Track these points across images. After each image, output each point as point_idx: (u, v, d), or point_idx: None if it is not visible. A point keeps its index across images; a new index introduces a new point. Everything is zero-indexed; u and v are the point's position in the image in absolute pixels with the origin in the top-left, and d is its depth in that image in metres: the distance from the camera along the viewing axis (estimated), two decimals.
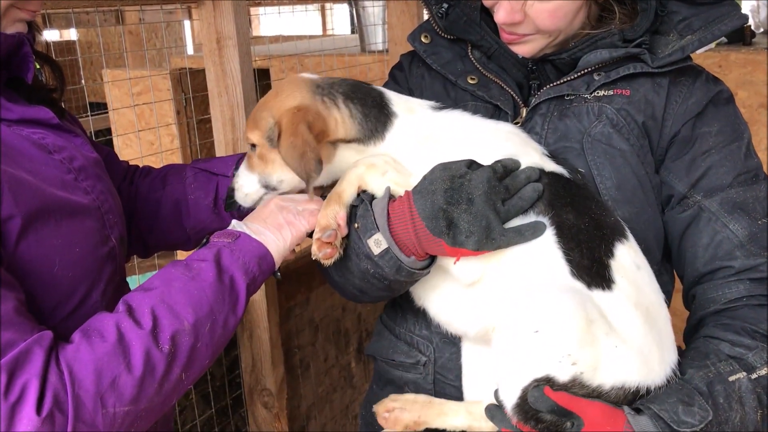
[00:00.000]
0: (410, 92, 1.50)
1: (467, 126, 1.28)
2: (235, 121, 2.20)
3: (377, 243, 1.18)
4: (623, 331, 1.13)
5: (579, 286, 1.15)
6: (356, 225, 1.22)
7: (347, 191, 1.24)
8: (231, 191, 1.37)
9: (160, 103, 4.04)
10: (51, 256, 1.06)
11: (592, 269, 1.16)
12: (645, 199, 1.31)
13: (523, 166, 1.20)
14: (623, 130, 1.31)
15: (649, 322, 1.17)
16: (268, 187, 1.33)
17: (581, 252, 1.16)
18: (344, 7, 5.85)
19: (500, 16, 1.31)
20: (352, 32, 5.35)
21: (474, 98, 1.41)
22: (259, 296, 2.35)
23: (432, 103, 1.33)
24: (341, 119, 1.26)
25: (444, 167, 1.17)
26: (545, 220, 1.17)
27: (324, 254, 1.22)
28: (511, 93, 1.38)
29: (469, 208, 1.13)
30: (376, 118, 1.27)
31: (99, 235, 1.16)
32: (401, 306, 1.47)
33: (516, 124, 1.36)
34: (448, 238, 1.13)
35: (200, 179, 1.51)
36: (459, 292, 1.25)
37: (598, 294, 1.15)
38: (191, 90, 3.49)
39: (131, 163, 1.62)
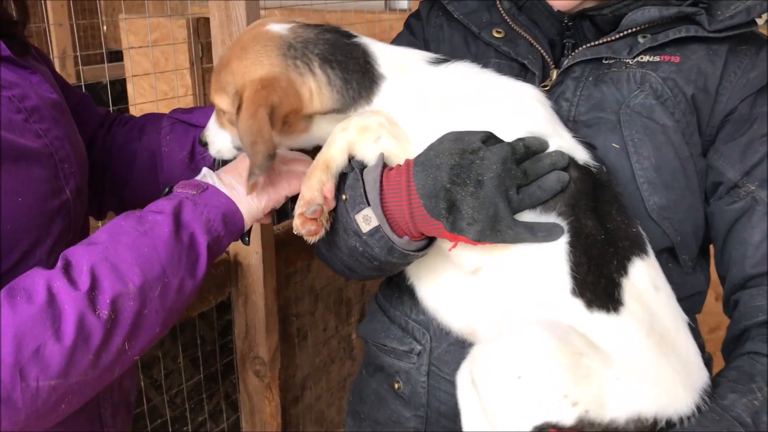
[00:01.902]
0: (425, 44, 1.33)
1: (477, 85, 1.10)
2: None
3: (366, 219, 1.02)
4: (629, 359, 0.97)
5: (576, 305, 0.99)
6: (344, 197, 1.06)
7: (336, 159, 1.06)
8: (203, 143, 1.23)
9: (177, 52, 3.89)
10: None
11: (599, 286, 1.00)
12: (686, 185, 1.12)
13: (550, 149, 1.03)
14: (668, 103, 1.12)
15: (665, 349, 1.00)
16: (242, 150, 1.17)
17: (589, 266, 1.00)
18: None
19: None
20: None
21: (498, 54, 1.24)
22: (256, 260, 2.22)
23: (429, 55, 1.14)
24: (316, 89, 1.08)
25: (456, 138, 1.00)
26: (564, 223, 1.01)
27: (307, 231, 1.07)
28: (541, 51, 1.21)
29: (477, 191, 0.96)
30: (359, 83, 1.09)
31: (49, 186, 1.02)
32: (398, 286, 1.32)
33: (544, 87, 1.18)
34: (447, 222, 0.97)
35: (177, 130, 1.36)
36: (451, 278, 1.11)
37: (600, 317, 0.99)
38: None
39: (146, 112, 1.47)
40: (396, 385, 1.31)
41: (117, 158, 1.36)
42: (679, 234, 1.11)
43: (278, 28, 1.11)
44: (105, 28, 5.56)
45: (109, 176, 1.36)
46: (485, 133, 1.00)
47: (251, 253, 2.22)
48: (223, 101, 1.12)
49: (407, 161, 1.02)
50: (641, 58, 1.14)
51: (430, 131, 1.04)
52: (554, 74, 1.19)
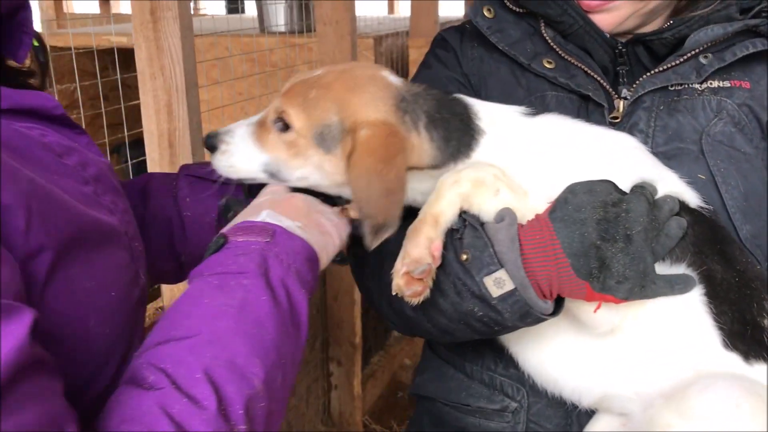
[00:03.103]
0: (466, 78, 1.26)
1: (578, 135, 1.05)
2: (173, 108, 1.85)
3: (499, 283, 0.92)
4: None
5: (732, 359, 0.96)
6: (464, 257, 0.95)
7: (446, 213, 0.96)
8: (211, 145, 1.04)
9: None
10: (84, 306, 0.72)
11: (746, 335, 0.97)
12: None
13: (660, 194, 0.99)
14: (746, 130, 1.13)
15: None
16: (275, 177, 1.04)
17: (732, 315, 0.97)
18: None
19: None
20: (229, 12, 4.93)
21: (553, 86, 1.19)
22: None
23: (521, 108, 1.08)
24: (418, 145, 1.00)
25: (589, 190, 0.93)
26: (694, 274, 0.97)
27: (412, 292, 0.95)
28: (599, 80, 1.17)
29: (627, 247, 0.90)
30: (459, 140, 1.02)
31: (130, 272, 0.83)
32: None
33: (614, 119, 1.16)
34: (596, 282, 0.90)
35: (197, 190, 1.16)
36: (576, 344, 1.03)
37: (759, 368, 0.97)
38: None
39: None
40: None
41: None
42: (767, 261, 1.12)
43: (390, 75, 1.04)
44: None
45: None
46: (611, 182, 0.96)
47: None
48: (299, 119, 0.99)
49: (539, 217, 0.95)
50: (710, 83, 1.15)
51: (541, 183, 0.98)
52: (621, 105, 1.17)
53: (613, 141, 1.07)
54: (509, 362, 1.17)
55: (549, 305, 0.94)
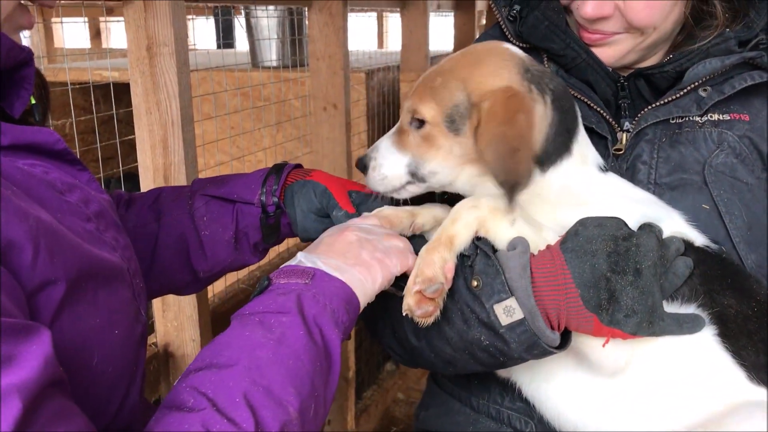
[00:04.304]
0: None
1: (611, 189, 1.07)
2: (169, 143, 1.84)
3: (508, 311, 0.92)
4: None
5: (762, 392, 0.96)
6: (475, 284, 0.95)
7: (461, 236, 0.97)
8: (363, 166, 1.09)
9: None
10: (89, 344, 0.72)
11: None
12: None
13: (666, 234, 1.00)
14: (747, 161, 1.15)
15: None
16: (416, 177, 1.06)
17: (755, 347, 0.97)
18: (209, 20, 5.42)
19: (587, 10, 1.13)
20: (219, 47, 4.96)
21: None
22: (192, 350, 1.98)
23: (600, 161, 1.09)
24: (542, 116, 1.00)
25: (599, 224, 0.94)
26: (704, 313, 0.97)
27: (423, 312, 0.95)
28: (602, 113, 1.19)
29: (636, 280, 0.90)
30: (559, 145, 1.02)
31: (132, 309, 0.82)
32: None
33: (618, 152, 1.17)
34: (605, 315, 0.90)
35: (214, 209, 1.18)
36: (584, 381, 1.02)
37: None
38: None
39: None
40: None
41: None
42: None
43: (511, 46, 1.06)
44: None
45: None
46: (621, 219, 0.96)
47: (186, 342, 1.99)
48: (429, 110, 1.01)
49: (551, 247, 0.95)
50: (710, 116, 1.16)
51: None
52: (623, 137, 1.18)
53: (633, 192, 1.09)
54: (516, 395, 1.16)
55: (556, 336, 0.94)
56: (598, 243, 0.92)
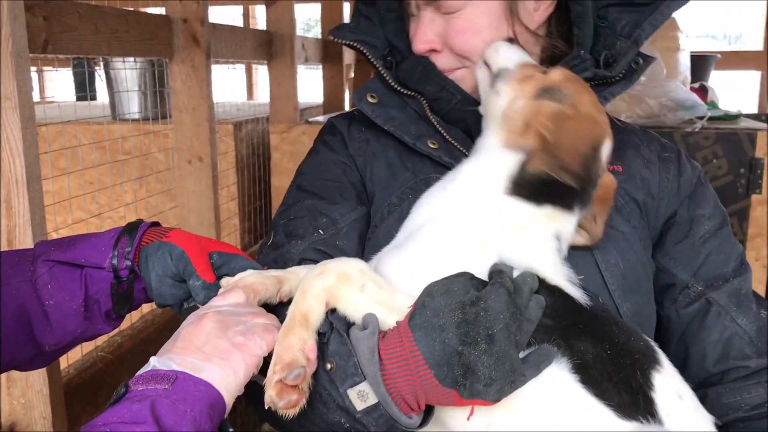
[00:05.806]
0: (351, 159, 1.24)
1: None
2: (12, 204, 1.70)
3: (362, 396, 0.87)
4: None
5: (633, 426, 0.93)
6: (329, 366, 0.89)
7: (314, 310, 0.90)
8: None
9: None
10: None
11: (640, 406, 0.94)
12: (648, 288, 1.17)
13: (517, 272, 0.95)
14: (623, 210, 1.16)
15: None
16: (494, 80, 1.10)
17: (617, 387, 0.94)
18: (66, 72, 5.17)
19: (417, 46, 1.16)
20: (78, 99, 4.74)
21: (437, 168, 1.17)
22: (43, 427, 1.81)
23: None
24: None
25: (446, 290, 0.87)
26: (565, 362, 0.93)
27: (286, 403, 0.86)
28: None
29: (489, 348, 0.84)
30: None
31: None
32: None
33: None
34: (463, 390, 0.84)
35: (59, 275, 1.05)
36: None
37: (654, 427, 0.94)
38: None
39: None
40: None
41: None
42: (648, 336, 1.10)
43: None
44: None
45: None
46: (466, 274, 0.91)
47: (35, 421, 1.81)
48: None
49: (400, 325, 0.89)
50: None
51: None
52: None
53: None
54: None
55: (415, 419, 0.89)
56: (446, 315, 0.86)
